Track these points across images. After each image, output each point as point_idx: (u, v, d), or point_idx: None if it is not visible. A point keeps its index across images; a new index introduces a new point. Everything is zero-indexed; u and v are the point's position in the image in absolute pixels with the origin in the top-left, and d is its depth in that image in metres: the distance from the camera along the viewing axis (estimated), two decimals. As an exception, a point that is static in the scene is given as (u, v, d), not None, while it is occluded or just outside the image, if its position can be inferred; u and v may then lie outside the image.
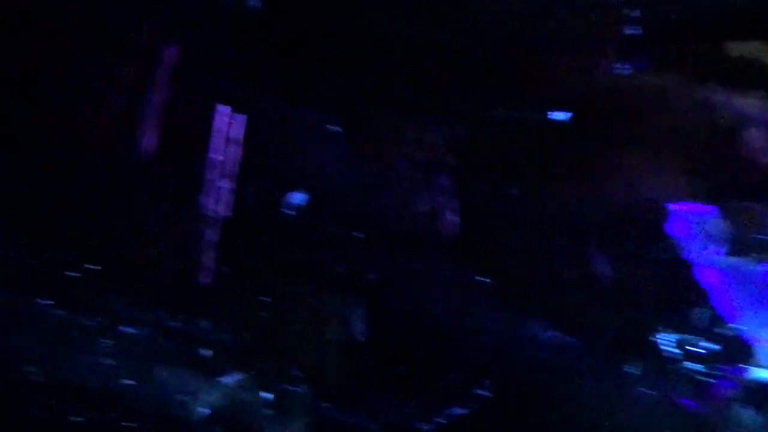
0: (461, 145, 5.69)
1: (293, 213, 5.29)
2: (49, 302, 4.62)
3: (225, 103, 5.27)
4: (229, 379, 4.93)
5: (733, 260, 5.31)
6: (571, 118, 5.73)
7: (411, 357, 5.32)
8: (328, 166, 5.53)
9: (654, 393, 5.41)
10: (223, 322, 4.97)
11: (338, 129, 5.50)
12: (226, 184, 5.19)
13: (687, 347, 5.27)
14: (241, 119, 5.32)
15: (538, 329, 5.65)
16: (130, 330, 4.79)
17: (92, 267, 4.84)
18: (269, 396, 5.00)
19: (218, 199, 5.13)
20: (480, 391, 5.36)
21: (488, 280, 5.60)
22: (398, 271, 5.48)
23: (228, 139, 5.26)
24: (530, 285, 5.72)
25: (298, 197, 5.28)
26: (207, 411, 4.84)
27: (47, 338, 4.58)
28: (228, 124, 5.23)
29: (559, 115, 5.75)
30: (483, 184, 5.78)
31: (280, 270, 5.21)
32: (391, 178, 5.64)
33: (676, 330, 5.42)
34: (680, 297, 5.47)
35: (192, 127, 5.19)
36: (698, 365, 5.28)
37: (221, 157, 5.21)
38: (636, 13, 5.52)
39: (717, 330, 5.29)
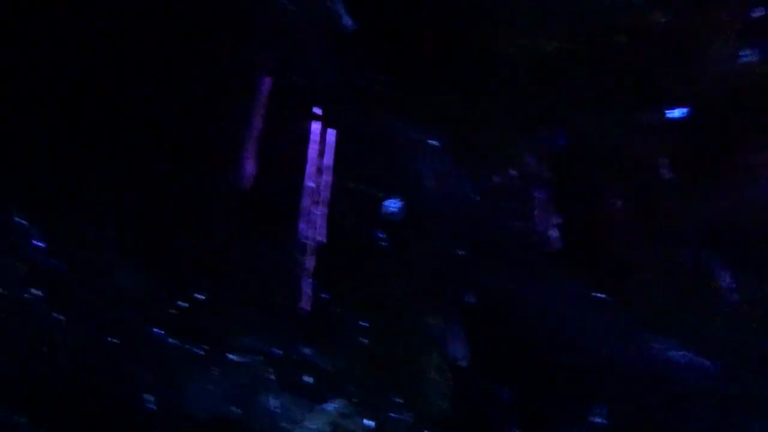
0: (565, 156, 5.36)
1: (391, 232, 5.21)
2: (160, 332, 4.83)
3: (323, 122, 5.30)
4: (332, 406, 4.92)
5: None
6: (689, 116, 5.24)
7: (518, 381, 5.05)
8: (427, 181, 5.40)
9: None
10: (324, 349, 4.97)
11: (437, 143, 5.36)
12: (323, 210, 5.21)
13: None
14: (337, 144, 5.32)
15: (666, 348, 5.18)
16: (235, 358, 4.91)
17: (200, 297, 5.02)
18: (371, 423, 4.93)
19: (316, 224, 5.16)
20: (597, 419, 4.98)
21: (606, 296, 5.21)
22: (502, 290, 5.23)
23: (324, 166, 5.28)
24: (655, 300, 5.26)
25: (396, 213, 5.18)
26: (310, 438, 4.85)
27: (159, 367, 4.79)
28: (324, 150, 5.25)
29: (675, 113, 5.27)
30: (593, 195, 5.40)
31: (379, 294, 5.14)
32: (494, 192, 5.41)
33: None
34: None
35: (290, 154, 5.26)
36: None
37: (318, 184, 5.24)
38: (760, -8, 4.94)
39: None
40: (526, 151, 5.24)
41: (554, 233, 4.97)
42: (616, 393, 4.87)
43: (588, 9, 5.19)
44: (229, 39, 5.05)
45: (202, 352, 4.87)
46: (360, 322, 5.01)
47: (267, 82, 5.16)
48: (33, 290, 4.53)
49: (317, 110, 5.16)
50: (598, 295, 4.97)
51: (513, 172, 5.22)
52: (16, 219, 4.50)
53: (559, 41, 5.21)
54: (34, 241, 4.58)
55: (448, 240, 5.15)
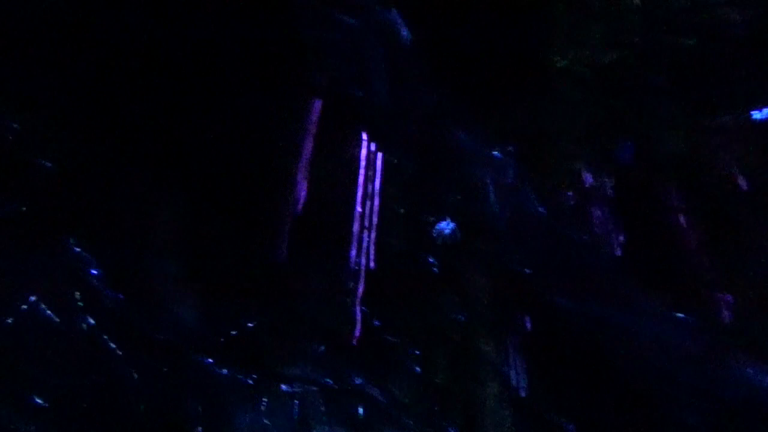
0: (633, 167, 5.01)
1: (447, 254, 4.98)
2: (209, 361, 4.78)
3: (373, 146, 5.20)
4: (384, 438, 4.68)
5: None
6: (768, 118, 4.77)
7: (586, 412, 4.62)
8: (491, 194, 5.16)
9: None
10: (377, 378, 4.77)
11: (500, 156, 5.14)
12: (373, 236, 5.07)
13: None
14: (394, 159, 5.18)
15: (761, 373, 4.63)
16: (286, 388, 4.78)
17: (250, 325, 4.95)
18: (424, 457, 4.64)
19: (367, 250, 5.02)
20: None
21: (689, 317, 4.75)
22: (570, 310, 4.86)
23: (373, 192, 5.16)
24: (744, 320, 4.75)
25: (449, 235, 4.96)
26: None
27: (209, 397, 4.73)
28: (374, 175, 5.14)
29: (756, 115, 4.84)
30: (666, 208, 5.00)
31: (433, 320, 4.90)
32: (559, 207, 5.11)
33: None
34: None
35: (340, 179, 5.18)
36: None
37: (368, 209, 5.11)
38: None
39: None
40: (591, 164, 4.92)
41: (619, 250, 4.58)
42: (705, 426, 4.35)
43: (655, 13, 4.88)
44: (285, 61, 5.05)
45: (251, 382, 4.76)
46: (413, 350, 4.76)
47: (318, 105, 5.12)
48: (88, 318, 4.58)
49: (366, 135, 5.06)
50: (680, 315, 4.51)
51: (579, 185, 4.90)
52: (74, 247, 4.59)
53: (620, 50, 4.91)
54: (92, 270, 4.65)
55: (512, 256, 4.86)
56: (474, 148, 4.86)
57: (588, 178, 4.75)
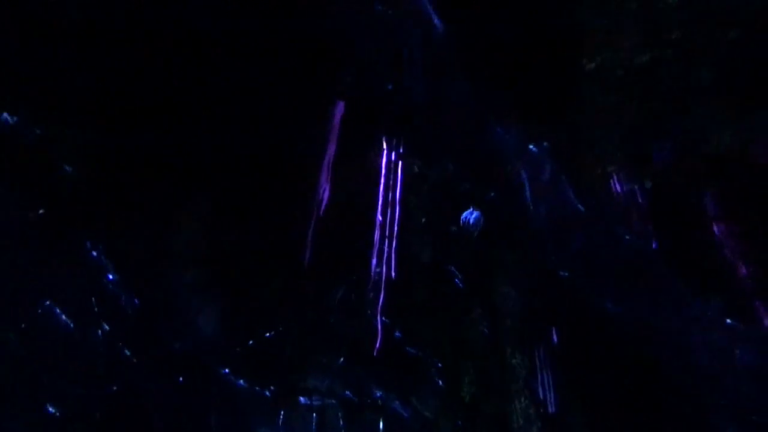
0: (672, 166, 4.80)
1: (474, 260, 4.80)
2: (226, 371, 4.64)
3: (394, 155, 5.07)
4: (406, 455, 4.46)
5: None
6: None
7: (619, 428, 4.35)
8: (526, 190, 4.99)
9: None
10: (398, 392, 4.57)
11: (536, 150, 4.98)
12: (394, 245, 4.92)
13: None
14: (424, 156, 5.05)
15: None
16: (305, 401, 4.61)
17: (268, 335, 4.81)
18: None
19: (388, 260, 4.87)
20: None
21: (742, 324, 4.47)
22: (610, 315, 4.63)
23: (395, 200, 5.03)
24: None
25: (473, 224, 4.78)
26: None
27: (226, 409, 4.58)
28: (395, 184, 5.01)
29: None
30: (707, 209, 4.77)
31: (457, 332, 4.71)
32: (600, 207, 4.91)
33: None
34: None
35: (361, 187, 5.06)
36: None
37: (389, 218, 4.98)
38: None
39: None
40: (629, 165, 4.73)
41: (663, 252, 4.35)
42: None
43: (695, 8, 4.70)
44: (315, 55, 4.96)
45: (269, 394, 4.60)
46: (436, 363, 4.57)
47: (341, 108, 5.02)
48: (104, 324, 4.48)
49: (388, 143, 4.94)
50: (732, 321, 4.23)
51: (618, 185, 4.70)
52: (91, 251, 4.51)
53: (657, 49, 4.74)
54: (108, 275, 4.57)
55: (548, 257, 4.65)
56: (509, 140, 4.71)
57: (626, 179, 4.54)
